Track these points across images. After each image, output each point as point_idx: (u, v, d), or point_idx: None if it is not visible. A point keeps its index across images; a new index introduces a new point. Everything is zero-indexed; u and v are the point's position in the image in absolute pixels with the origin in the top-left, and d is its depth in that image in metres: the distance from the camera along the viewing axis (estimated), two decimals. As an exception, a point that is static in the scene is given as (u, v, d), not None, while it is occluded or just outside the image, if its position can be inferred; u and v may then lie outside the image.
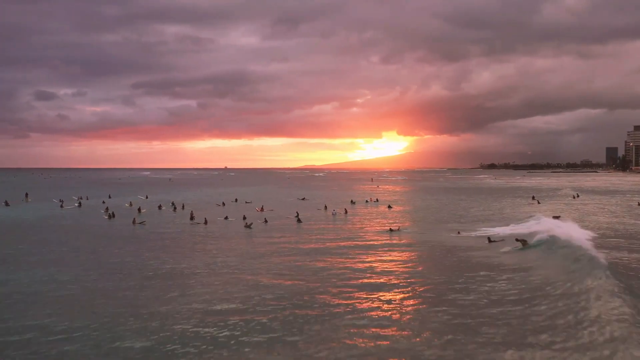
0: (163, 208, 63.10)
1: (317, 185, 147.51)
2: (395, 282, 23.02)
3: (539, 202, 70.75)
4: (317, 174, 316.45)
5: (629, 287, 19.11)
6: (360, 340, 15.54)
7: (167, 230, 42.78)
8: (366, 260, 28.38)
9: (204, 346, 15.18)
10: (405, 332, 16.13)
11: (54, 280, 23.55)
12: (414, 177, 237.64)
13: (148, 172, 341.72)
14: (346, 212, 56.75)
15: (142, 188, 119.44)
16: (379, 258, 29.02)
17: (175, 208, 62.63)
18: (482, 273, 24.43)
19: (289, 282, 22.94)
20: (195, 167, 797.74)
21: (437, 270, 25.43)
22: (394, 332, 16.17)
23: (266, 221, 47.19)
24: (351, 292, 21.03)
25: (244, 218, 49.52)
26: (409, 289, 21.78)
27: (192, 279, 23.77)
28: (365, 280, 23.21)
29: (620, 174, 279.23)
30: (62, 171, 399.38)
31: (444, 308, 18.61)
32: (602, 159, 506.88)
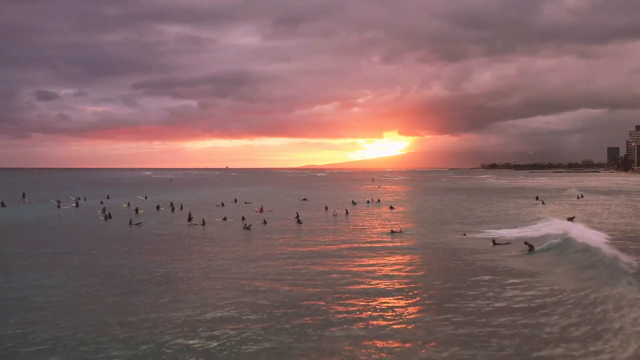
0: (161, 209, 62.14)
1: (319, 185, 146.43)
2: (398, 287, 21.98)
3: (543, 203, 69.61)
4: (318, 174, 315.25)
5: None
6: (362, 352, 14.53)
7: (164, 231, 41.78)
8: (367, 263, 27.35)
9: (193, 358, 14.19)
10: (409, 344, 15.09)
11: (41, 285, 22.57)
12: (416, 177, 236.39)
13: (149, 172, 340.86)
14: (347, 212, 55.72)
15: (142, 188, 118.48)
16: (380, 261, 27.99)
17: (173, 209, 61.65)
18: (488, 278, 23.37)
19: (287, 288, 21.93)
20: (196, 167, 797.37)
21: (440, 275, 24.39)
22: (397, 344, 15.15)
23: (265, 222, 46.18)
24: (351, 299, 20.01)
25: (243, 219, 48.53)
26: (412, 294, 20.76)
27: (185, 284, 22.77)
28: (366, 286, 22.17)
29: (623, 174, 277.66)
30: (63, 171, 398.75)
31: (449, 316, 17.58)
32: (603, 159, 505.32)
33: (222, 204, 66.76)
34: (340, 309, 18.69)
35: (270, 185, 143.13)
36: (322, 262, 27.54)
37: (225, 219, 49.64)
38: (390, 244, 34.16)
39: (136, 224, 45.72)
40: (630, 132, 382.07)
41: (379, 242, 35.30)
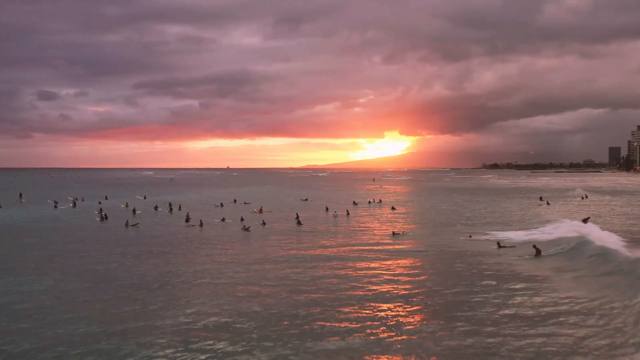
0: (159, 209, 61.17)
1: (320, 185, 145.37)
2: (400, 293, 20.93)
3: (548, 203, 68.43)
4: (320, 174, 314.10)
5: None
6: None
7: (160, 233, 40.78)
8: (368, 267, 26.33)
9: (182, 373, 13.19)
10: (414, 357, 14.06)
11: (28, 290, 21.57)
12: (418, 177, 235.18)
13: (151, 172, 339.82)
14: (348, 213, 54.69)
15: (142, 188, 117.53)
16: (382, 265, 26.95)
17: (171, 209, 60.67)
18: (495, 284, 22.31)
19: (284, 294, 20.89)
20: (197, 167, 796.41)
21: (445, 280, 23.34)
22: (400, 357, 14.12)
23: (264, 223, 45.15)
24: (351, 305, 18.99)
25: (242, 220, 47.55)
26: (415, 301, 19.73)
27: (177, 289, 21.76)
28: (367, 292, 21.10)
29: (625, 173, 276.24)
30: (63, 171, 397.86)
31: (456, 325, 16.54)
32: (605, 158, 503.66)
33: (221, 205, 65.76)
34: (340, 316, 17.67)
35: (271, 186, 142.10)
36: (322, 266, 26.53)
37: (223, 219, 48.63)
38: (392, 247, 33.12)
39: (132, 225, 44.75)
40: (632, 132, 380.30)
41: (380, 244, 34.27)
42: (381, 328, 16.44)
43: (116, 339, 15.59)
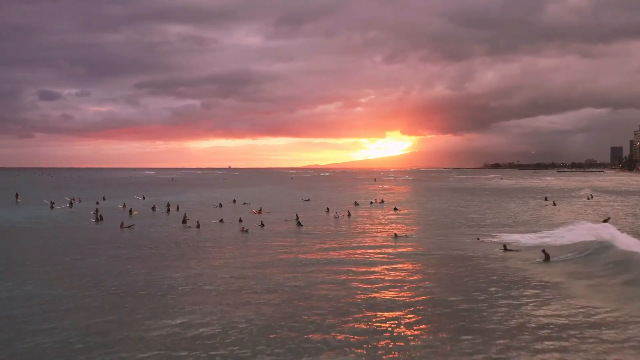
0: (157, 209, 59.98)
1: (322, 185, 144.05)
2: (403, 301, 19.67)
3: (554, 204, 67.03)
4: (322, 174, 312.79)
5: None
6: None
7: (155, 235, 39.54)
8: (369, 272, 25.03)
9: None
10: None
11: (8, 297, 20.35)
12: (420, 177, 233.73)
13: (152, 172, 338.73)
14: (349, 214, 53.38)
15: (142, 188, 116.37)
16: (384, 269, 25.66)
17: (169, 210, 59.44)
18: (504, 292, 21.02)
19: (281, 302, 19.64)
20: (199, 166, 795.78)
21: (450, 286, 22.07)
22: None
23: (263, 225, 43.88)
24: (352, 315, 17.75)
25: (240, 221, 46.34)
26: (420, 309, 18.47)
27: (168, 296, 20.52)
28: (368, 301, 19.80)
29: (628, 173, 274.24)
30: (64, 171, 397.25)
31: (465, 338, 15.28)
32: (607, 158, 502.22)
33: (220, 205, 64.52)
34: (339, 328, 16.43)
35: (272, 185, 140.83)
36: (321, 271, 25.27)
37: (221, 220, 47.37)
38: (394, 250, 31.82)
39: (128, 227, 43.53)
40: (635, 131, 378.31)
41: (382, 247, 33.00)
42: (383, 342, 15.19)
43: (96, 352, 14.40)
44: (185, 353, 14.37)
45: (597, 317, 17.07)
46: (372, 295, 20.42)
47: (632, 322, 16.36)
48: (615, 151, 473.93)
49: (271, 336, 15.68)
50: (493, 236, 36.68)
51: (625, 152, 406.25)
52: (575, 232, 33.63)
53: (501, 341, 15.01)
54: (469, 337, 15.39)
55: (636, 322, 16.26)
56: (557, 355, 13.89)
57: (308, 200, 77.92)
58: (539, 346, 14.56)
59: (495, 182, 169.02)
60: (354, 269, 25.79)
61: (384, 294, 20.62)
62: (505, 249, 30.59)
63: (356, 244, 34.07)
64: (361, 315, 17.72)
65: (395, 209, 60.98)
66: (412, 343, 15.10)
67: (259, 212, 55.99)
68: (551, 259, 26.94)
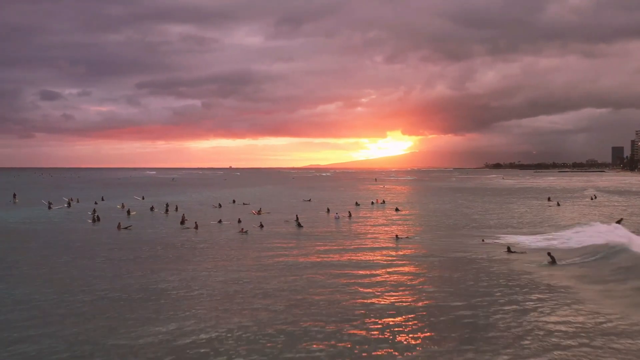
0: (155, 210, 59.27)
1: (323, 185, 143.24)
2: (406, 306, 18.93)
3: (558, 204, 66.14)
4: (323, 174, 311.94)
5: None
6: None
7: (153, 236, 38.80)
8: (370, 275, 24.28)
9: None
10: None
11: (-3, 302, 19.65)
12: (422, 177, 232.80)
13: (153, 172, 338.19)
14: (350, 215, 52.60)
15: (142, 188, 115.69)
16: (385, 272, 24.90)
17: (167, 210, 58.73)
18: (512, 297, 20.27)
19: (279, 307, 18.90)
20: (200, 166, 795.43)
21: (454, 290, 21.31)
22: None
23: (262, 226, 43.14)
24: (352, 321, 17.03)
25: (239, 221, 45.63)
26: (423, 315, 17.73)
27: (161, 301, 19.79)
28: (369, 307, 19.04)
29: (629, 173, 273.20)
30: (65, 171, 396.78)
31: (471, 347, 14.54)
32: (608, 158, 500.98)
33: (220, 205, 63.82)
34: (339, 335, 15.70)
35: (273, 186, 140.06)
36: (320, 274, 24.51)
37: (220, 221, 46.65)
38: (395, 252, 31.09)
39: (125, 228, 42.80)
40: (636, 131, 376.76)
41: (383, 249, 32.26)
42: (384, 351, 14.46)
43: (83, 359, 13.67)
44: (176, 362, 13.65)
45: (608, 324, 16.32)
46: (373, 301, 19.67)
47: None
48: (617, 151, 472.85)
49: (268, 345, 14.96)
50: (497, 237, 35.90)
51: (627, 152, 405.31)
52: (584, 234, 32.59)
53: (508, 350, 14.28)
54: (473, 346, 14.66)
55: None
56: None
57: (309, 200, 77.17)
58: (547, 356, 13.82)
59: (497, 182, 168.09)
60: (354, 272, 25.05)
61: (385, 299, 19.88)
62: (509, 251, 29.86)
63: (357, 246, 33.33)
64: (362, 323, 16.98)
65: (397, 209, 60.20)
66: (414, 352, 14.37)
67: (259, 212, 55.23)
68: (558, 262, 26.16)
